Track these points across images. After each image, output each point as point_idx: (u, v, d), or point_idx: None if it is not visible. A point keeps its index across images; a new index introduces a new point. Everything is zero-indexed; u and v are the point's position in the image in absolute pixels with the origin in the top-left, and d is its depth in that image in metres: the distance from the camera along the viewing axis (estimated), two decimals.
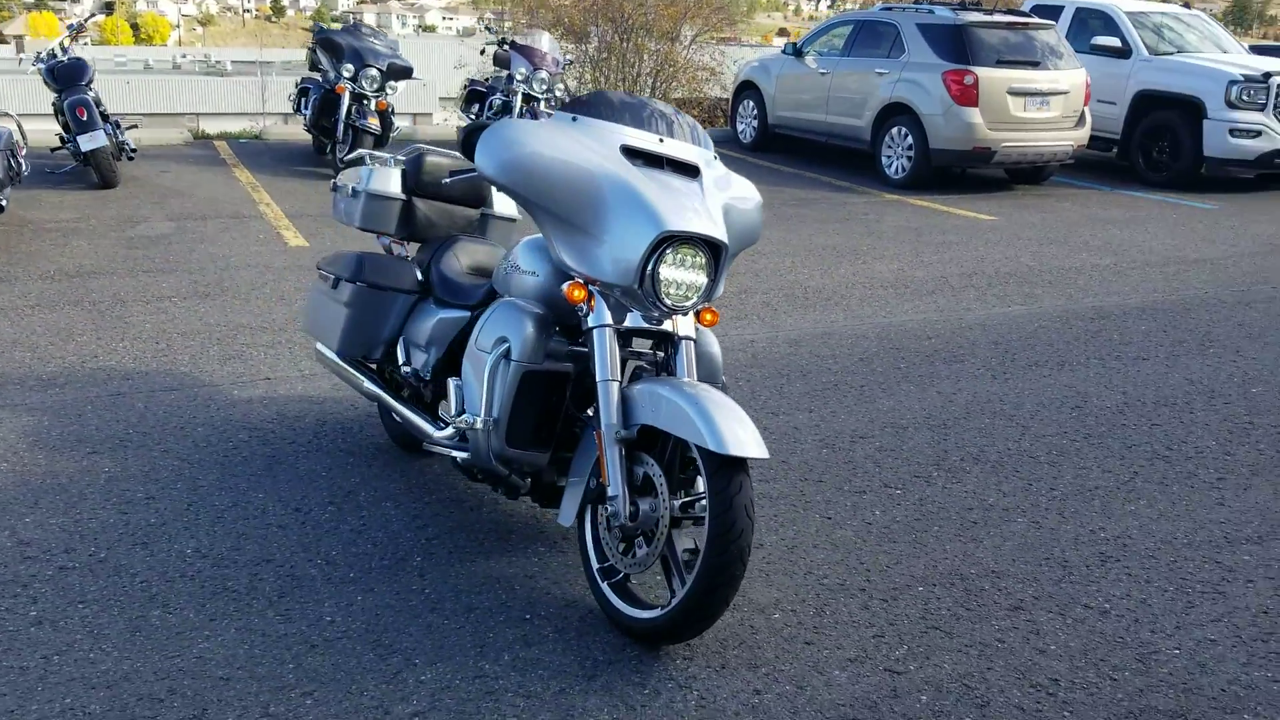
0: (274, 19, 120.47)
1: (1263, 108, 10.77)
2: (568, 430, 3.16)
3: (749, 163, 11.85)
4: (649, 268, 2.79)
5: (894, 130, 10.69)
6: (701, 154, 3.08)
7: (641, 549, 2.81)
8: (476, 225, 4.09)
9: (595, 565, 2.97)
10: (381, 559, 3.26)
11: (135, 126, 9.60)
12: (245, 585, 3.09)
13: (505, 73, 10.80)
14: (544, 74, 10.26)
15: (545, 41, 10.58)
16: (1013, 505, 3.75)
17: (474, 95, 11.20)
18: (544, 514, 3.58)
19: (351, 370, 3.94)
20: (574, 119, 3.00)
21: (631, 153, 2.94)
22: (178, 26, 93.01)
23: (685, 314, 2.91)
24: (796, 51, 12.20)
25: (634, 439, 2.82)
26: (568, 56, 10.79)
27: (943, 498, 3.79)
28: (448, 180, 3.22)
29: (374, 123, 9.45)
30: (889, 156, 10.78)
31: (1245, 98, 10.75)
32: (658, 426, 2.74)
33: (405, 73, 9.85)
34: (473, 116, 11.16)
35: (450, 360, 3.60)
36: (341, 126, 9.58)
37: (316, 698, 2.59)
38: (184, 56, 54.00)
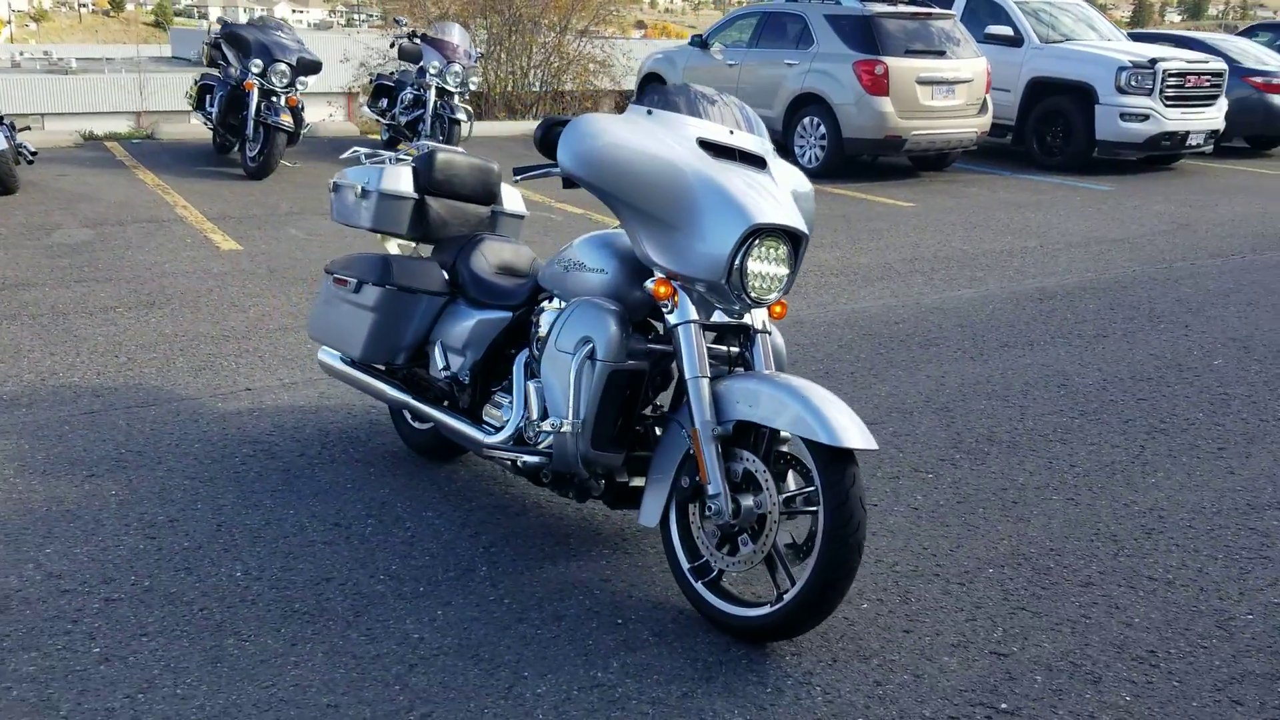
0: (112, 13, 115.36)
1: (1150, 92, 11.28)
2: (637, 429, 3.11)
3: None
4: (736, 261, 2.76)
5: (806, 120, 10.85)
6: (762, 144, 3.06)
7: (746, 546, 2.77)
8: (487, 223, 3.98)
9: (686, 565, 2.92)
10: (446, 571, 3.15)
11: (29, 128, 9.05)
12: (313, 607, 2.94)
13: (413, 66, 10.58)
14: (458, 67, 10.09)
15: (457, 34, 10.40)
16: (1043, 484, 3.84)
17: (381, 90, 10.92)
18: (596, 515, 3.51)
19: (368, 378, 3.80)
20: (649, 112, 2.95)
21: (705, 145, 2.90)
22: (9, 22, 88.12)
23: (766, 306, 2.89)
24: (702, 43, 12.27)
25: (729, 435, 2.79)
26: (477, 50, 10.62)
27: (974, 479, 3.86)
28: (519, 179, 3.11)
29: (287, 119, 9.14)
30: (802, 146, 10.93)
31: (1134, 83, 11.25)
32: (759, 422, 2.71)
33: (315, 67, 9.55)
34: (379, 112, 10.89)
35: (488, 363, 3.50)
36: (252, 124, 9.23)
37: (436, 719, 2.48)
38: (21, 54, 51.18)
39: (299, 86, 9.43)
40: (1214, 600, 3.07)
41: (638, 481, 3.10)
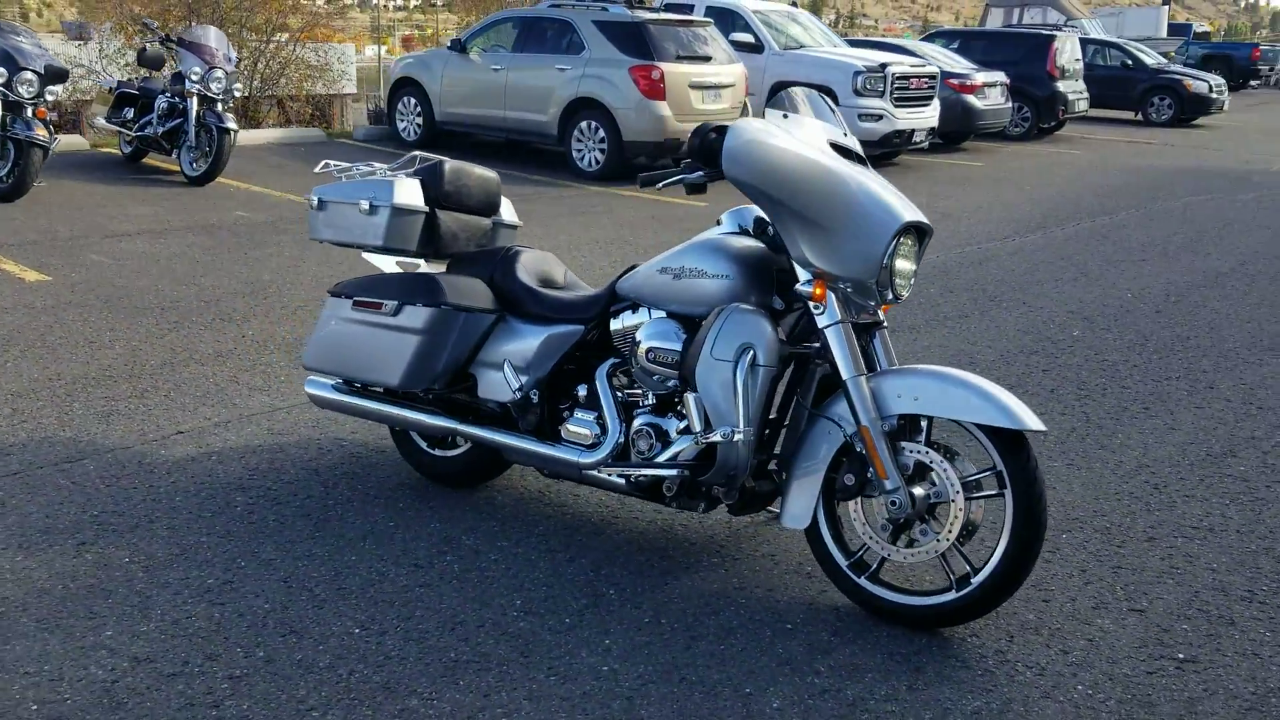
0: None
1: (882, 94, 12.24)
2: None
3: None
4: (885, 260, 2.81)
5: (584, 124, 10.92)
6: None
7: (927, 536, 2.83)
8: (490, 234, 3.80)
9: (844, 563, 2.94)
10: (576, 599, 2.99)
11: None
12: (471, 653, 2.71)
13: (157, 73, 9.76)
14: (220, 73, 9.37)
15: (213, 36, 9.66)
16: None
17: (124, 99, 9.97)
18: (675, 524, 3.44)
19: (392, 407, 3.53)
20: (785, 115, 2.94)
21: (833, 146, 2.94)
22: None
23: (899, 301, 2.96)
24: (460, 47, 12.05)
25: (896, 429, 2.84)
26: (235, 53, 9.87)
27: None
28: (659, 185, 3.00)
29: (43, 133, 8.14)
30: (580, 150, 10.99)
31: (868, 86, 12.16)
32: (929, 414, 2.79)
33: (63, 75, 8.58)
34: (120, 123, 9.93)
35: (553, 379, 3.36)
36: None
37: None
38: None
39: (48, 96, 8.44)
40: (1255, 541, 3.45)
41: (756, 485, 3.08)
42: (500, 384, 3.41)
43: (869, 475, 2.85)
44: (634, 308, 3.23)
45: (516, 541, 3.33)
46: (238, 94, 9.88)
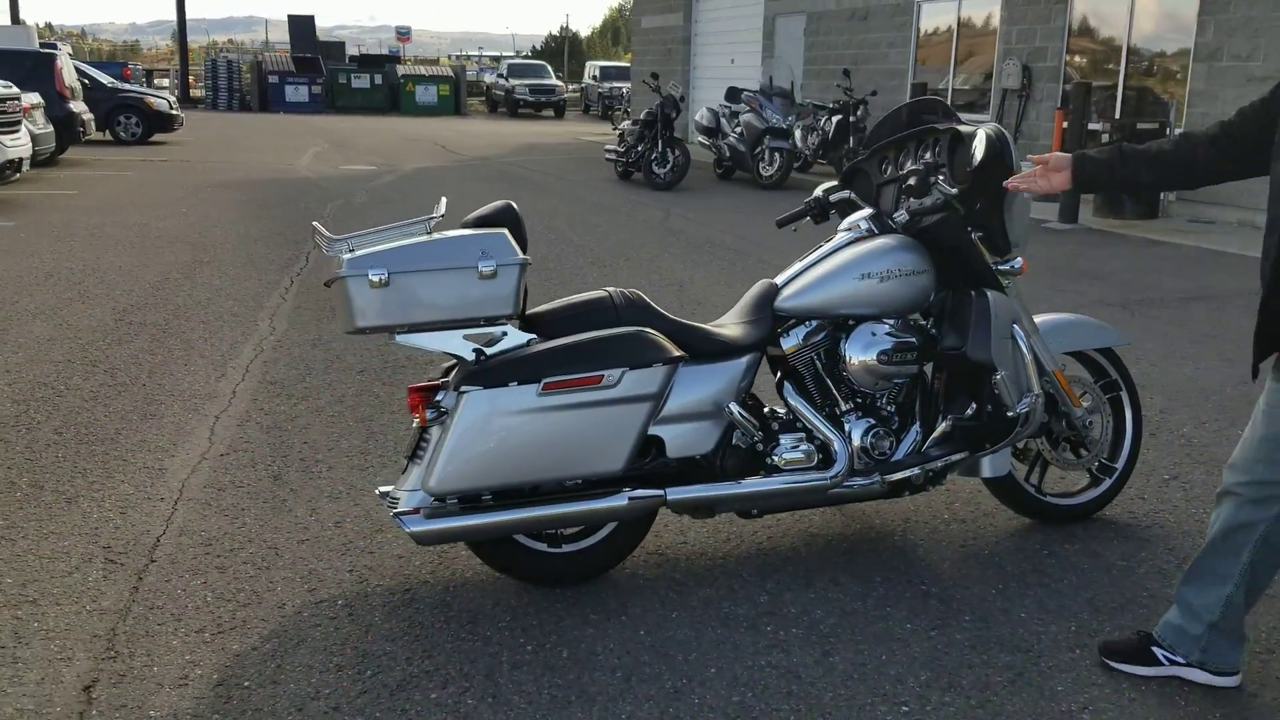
0: None
1: None
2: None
3: None
4: None
5: None
6: None
7: (1094, 446, 3.54)
8: None
9: (1032, 489, 3.52)
10: (881, 605, 3.05)
11: None
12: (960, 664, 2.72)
13: None
14: None
15: None
16: None
17: None
18: (723, 533, 3.52)
19: (556, 507, 3.00)
20: None
21: None
22: None
23: None
24: None
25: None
26: None
27: None
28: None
29: None
30: None
31: None
32: (1076, 349, 3.53)
33: None
34: None
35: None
36: None
37: None
38: None
39: None
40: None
41: None
42: (700, 434, 3.08)
43: (1060, 407, 3.47)
44: (801, 323, 3.25)
45: (748, 588, 3.16)
46: None
